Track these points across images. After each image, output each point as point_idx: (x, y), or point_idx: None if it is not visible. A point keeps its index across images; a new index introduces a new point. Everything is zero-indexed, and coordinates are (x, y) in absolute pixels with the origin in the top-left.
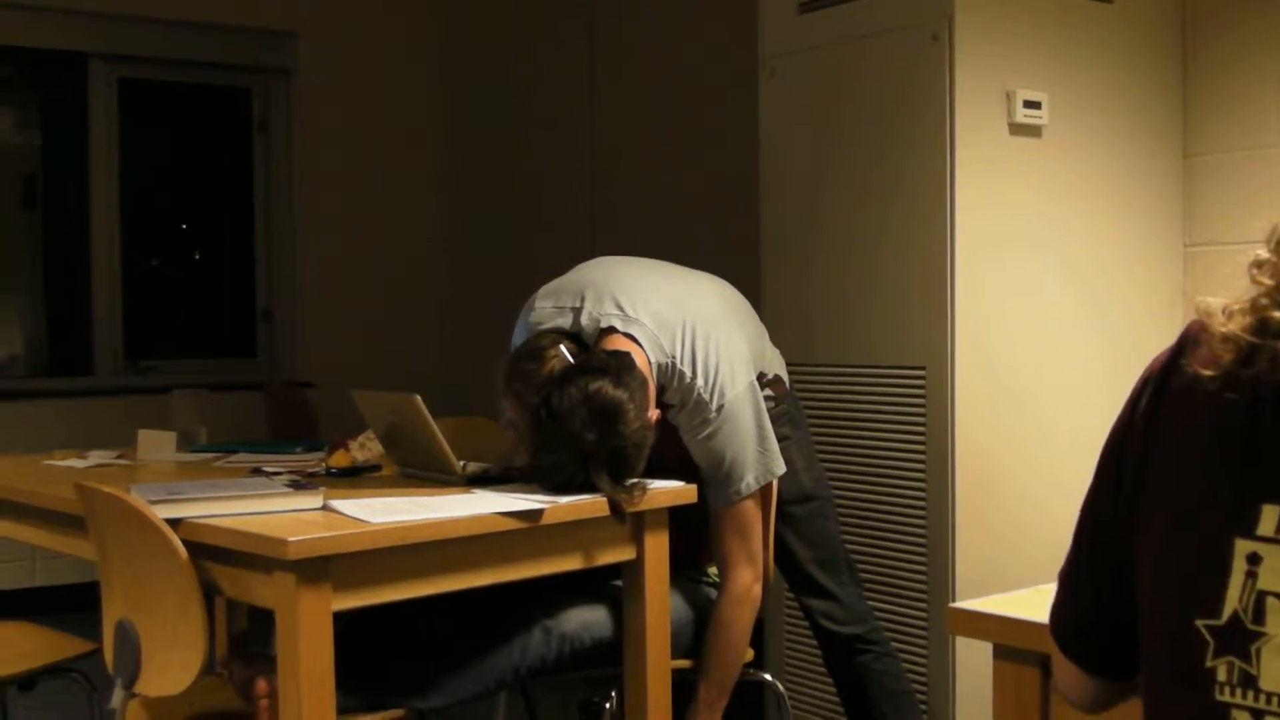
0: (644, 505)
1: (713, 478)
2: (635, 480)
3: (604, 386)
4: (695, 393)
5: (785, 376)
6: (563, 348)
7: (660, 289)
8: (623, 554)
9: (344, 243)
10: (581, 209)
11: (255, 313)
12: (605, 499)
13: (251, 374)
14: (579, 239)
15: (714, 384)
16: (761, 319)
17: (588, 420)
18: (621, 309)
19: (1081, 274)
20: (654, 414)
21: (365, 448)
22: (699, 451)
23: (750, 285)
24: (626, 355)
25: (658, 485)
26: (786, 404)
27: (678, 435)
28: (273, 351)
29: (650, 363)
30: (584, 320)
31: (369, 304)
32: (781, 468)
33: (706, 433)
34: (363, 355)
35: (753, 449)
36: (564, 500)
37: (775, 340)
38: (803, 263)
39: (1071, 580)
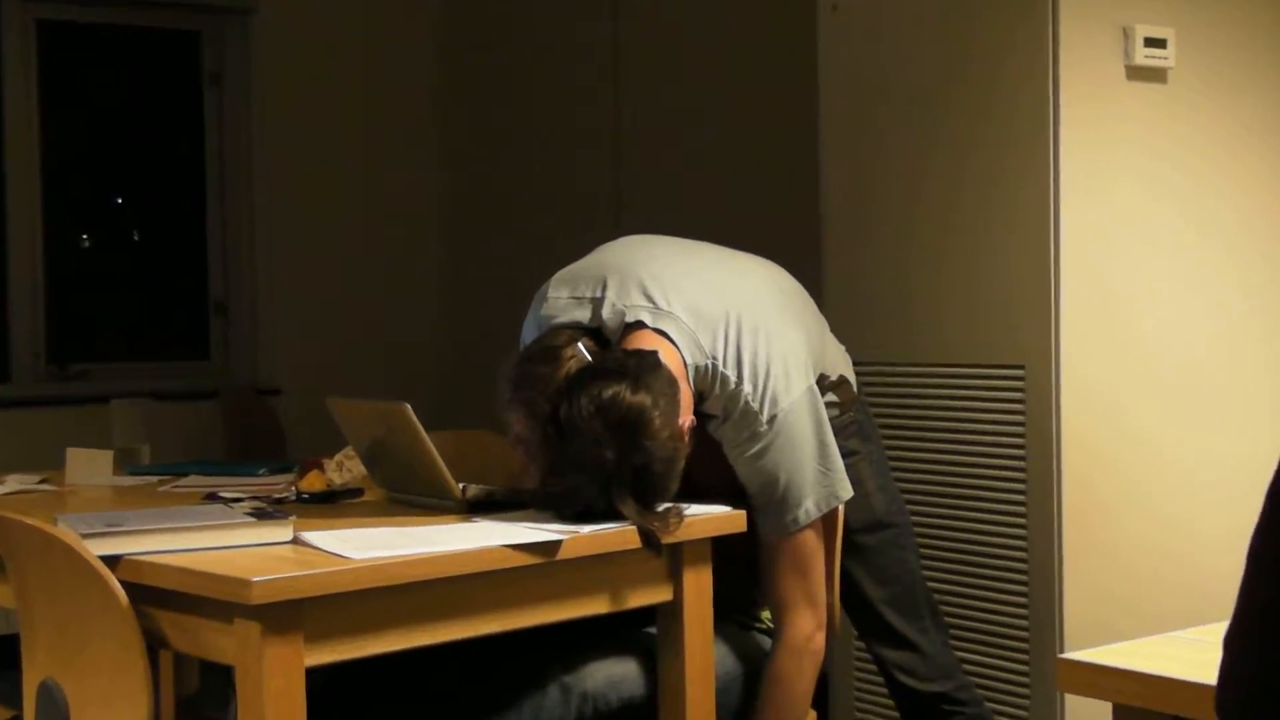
0: (682, 536)
1: (765, 503)
2: (668, 505)
3: (620, 392)
4: (742, 401)
5: (852, 379)
6: (581, 346)
7: (699, 275)
8: (657, 595)
9: (317, 220)
10: (602, 186)
11: (208, 305)
12: (635, 528)
13: (204, 379)
14: (599, 220)
15: (765, 390)
16: (821, 310)
17: (604, 434)
18: (651, 299)
19: (1217, 251)
20: (687, 421)
21: (344, 468)
22: (747, 472)
23: (807, 270)
24: (650, 353)
25: (698, 511)
26: (854, 412)
27: (720, 451)
28: (229, 352)
29: (686, 364)
30: (606, 313)
31: (348, 295)
32: (848, 490)
33: (756, 449)
34: (340, 356)
35: (812, 468)
36: (585, 530)
37: (839, 335)
38: (870, 242)
39: (1243, 640)
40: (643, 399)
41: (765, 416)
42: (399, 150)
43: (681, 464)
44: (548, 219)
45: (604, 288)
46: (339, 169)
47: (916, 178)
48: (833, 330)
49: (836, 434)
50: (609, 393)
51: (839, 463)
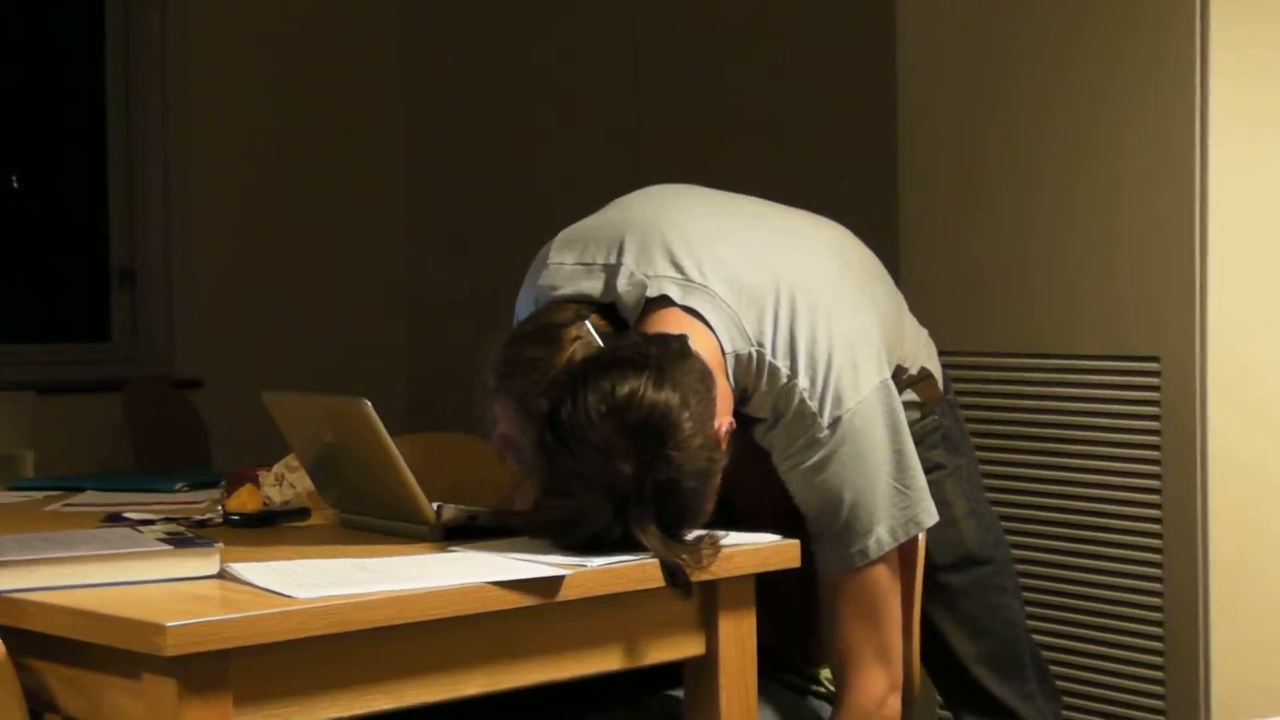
0: (717, 572)
1: (825, 530)
2: (700, 533)
3: (639, 388)
4: (796, 399)
5: (937, 372)
6: (589, 325)
7: (742, 237)
8: (685, 648)
9: (248, 171)
10: (619, 132)
11: (110, 274)
12: (657, 561)
13: (105, 367)
14: (614, 173)
15: (826, 385)
16: (899, 286)
17: (618, 441)
18: (680, 268)
19: None
20: (725, 425)
21: (284, 482)
22: (804, 490)
23: (881, 237)
24: (677, 338)
25: (738, 541)
26: (938, 415)
27: (768, 463)
28: (137, 333)
29: (724, 353)
30: (622, 284)
31: (291, 264)
32: (932, 514)
33: (814, 460)
34: (280, 342)
35: (886, 485)
36: (593, 564)
37: (921, 317)
38: (961, 205)
39: None
40: (668, 396)
41: (826, 419)
42: (351, 87)
43: (717, 480)
44: (544, 176)
45: (620, 252)
46: (274, 106)
47: (1020, 131)
48: (913, 310)
49: (917, 443)
50: (625, 388)
51: (920, 478)
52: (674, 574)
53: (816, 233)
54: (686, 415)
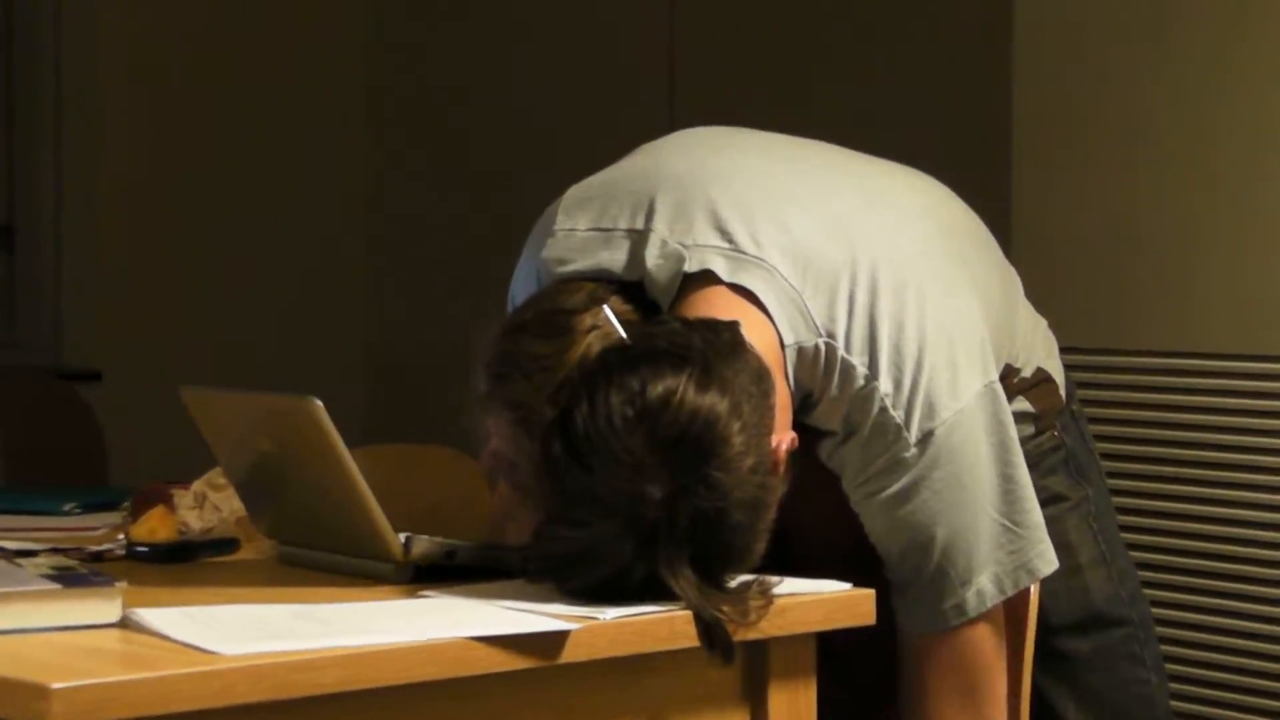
0: (767, 629)
1: (910, 578)
2: (748, 579)
3: (677, 390)
4: (876, 408)
5: (1059, 375)
6: (608, 311)
7: (810, 194)
8: None
9: (168, 107)
10: (649, 59)
11: None
12: (690, 615)
13: None
14: (642, 115)
15: (915, 390)
16: (1011, 262)
17: (646, 457)
18: (728, 235)
19: None
20: (785, 441)
21: (207, 504)
22: (882, 526)
23: (991, 204)
24: (728, 326)
25: (795, 589)
26: (1060, 430)
27: (836, 491)
28: (15, 309)
29: (783, 346)
30: (651, 256)
31: (216, 225)
32: (1050, 560)
33: (897, 488)
34: (201, 327)
35: (991, 522)
36: (608, 615)
37: (1038, 305)
38: (1082, 172)
39: None
40: (713, 402)
41: (914, 434)
42: (306, 17)
43: (772, 514)
44: (551, 117)
45: (650, 214)
46: (225, 26)
47: (1152, 81)
48: (1029, 294)
49: (1032, 466)
50: (658, 388)
51: (1036, 513)
52: (713, 632)
53: (909, 192)
54: (737, 427)
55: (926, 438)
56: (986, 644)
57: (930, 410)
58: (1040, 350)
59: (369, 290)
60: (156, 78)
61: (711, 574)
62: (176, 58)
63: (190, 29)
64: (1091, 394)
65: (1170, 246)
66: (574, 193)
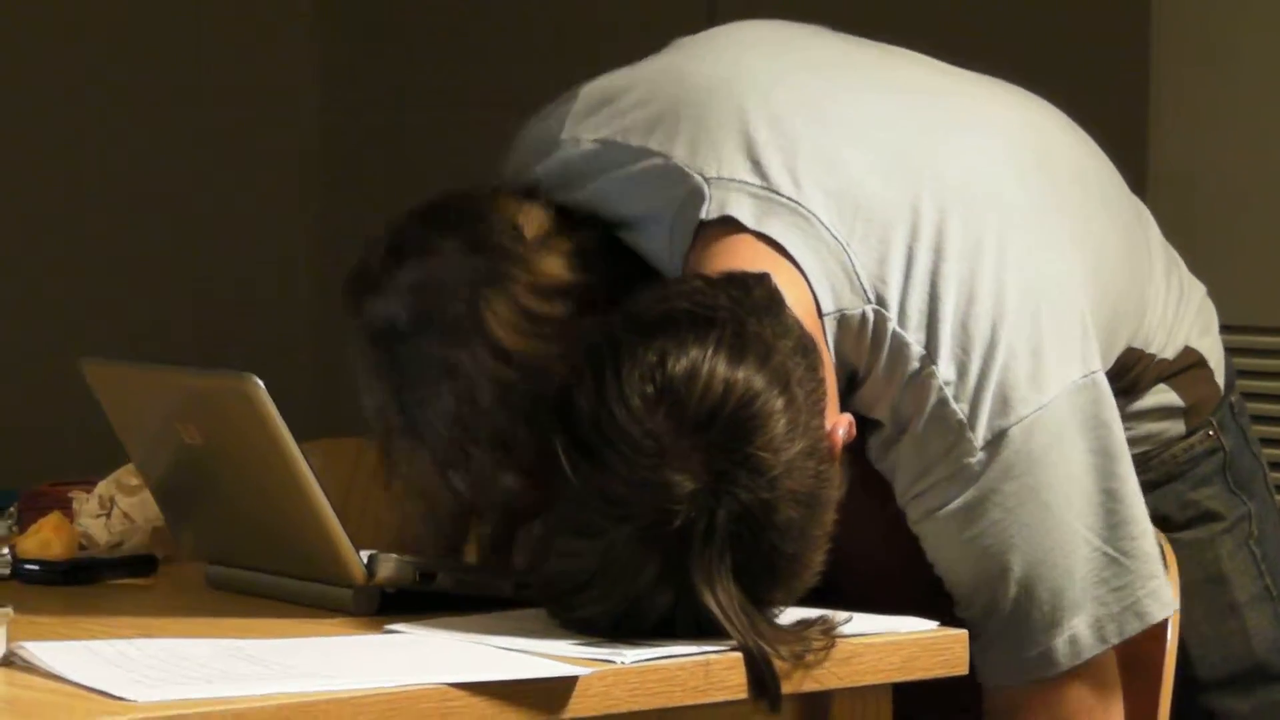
0: (830, 679)
1: (982, 617)
2: (812, 615)
3: (706, 360)
4: (933, 398)
5: (1216, 357)
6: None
7: (874, 115)
8: None
9: (70, 25)
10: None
11: None
12: (733, 656)
13: None
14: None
15: (984, 378)
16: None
17: (672, 440)
18: (760, 166)
19: None
20: (843, 426)
21: (114, 511)
22: (945, 550)
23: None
24: (759, 280)
25: (865, 629)
26: (1217, 429)
27: (892, 500)
28: None
29: (821, 314)
30: (664, 191)
31: (127, 162)
32: (1165, 602)
33: (959, 503)
34: (107, 283)
35: (1087, 549)
36: (627, 659)
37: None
38: (1231, 110)
39: None
40: (751, 373)
41: (982, 435)
42: None
43: (831, 512)
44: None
45: (675, 131)
46: None
47: None
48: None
49: (1176, 477)
50: (682, 361)
51: (1148, 539)
52: (764, 676)
53: (1007, 121)
54: (782, 404)
55: (998, 439)
56: (1087, 702)
57: (1004, 404)
58: (1189, 325)
59: (314, 257)
60: (54, 75)
61: (758, 593)
62: (75, 52)
63: (86, 21)
64: (1252, 385)
65: None
66: (590, 91)
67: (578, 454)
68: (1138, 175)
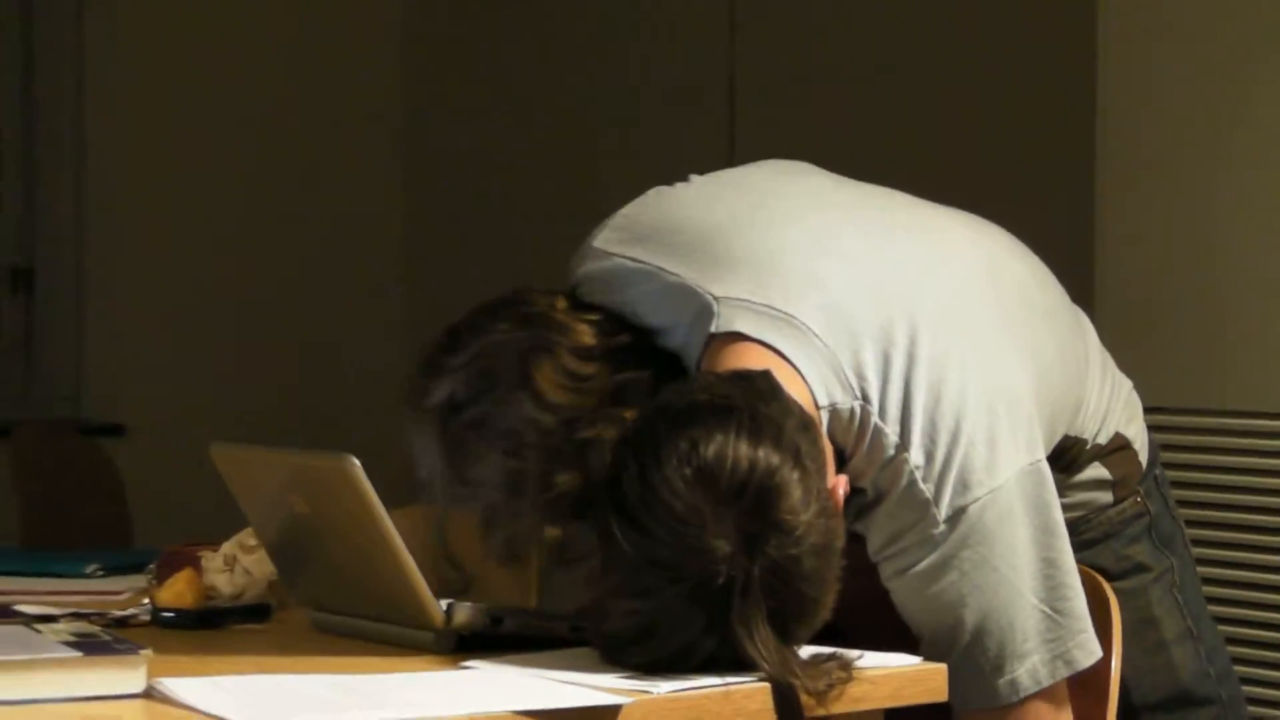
0: (846, 704)
1: (943, 655)
2: (828, 651)
3: (730, 443)
4: (905, 480)
5: (1141, 440)
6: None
7: (854, 249)
8: None
9: (197, 150)
10: (706, 94)
11: None
12: (750, 689)
13: None
14: (699, 141)
15: (949, 464)
16: (1093, 317)
17: (711, 511)
18: (760, 289)
19: None
20: (841, 485)
21: (237, 568)
22: (911, 604)
23: (1071, 261)
24: (761, 375)
25: (875, 663)
26: (1143, 497)
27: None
28: (32, 357)
29: (817, 405)
30: (679, 307)
31: (245, 273)
32: (1091, 652)
33: (924, 565)
34: (230, 376)
35: (1029, 608)
36: (662, 690)
37: (1120, 364)
38: (1168, 224)
39: None
40: (769, 451)
41: (944, 511)
42: (340, 50)
43: (839, 559)
44: (599, 151)
45: (685, 261)
46: (250, 61)
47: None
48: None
49: (1110, 536)
50: (711, 447)
51: (1079, 601)
52: (788, 702)
53: (968, 250)
54: (797, 476)
55: (957, 515)
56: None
57: (963, 486)
58: (1118, 415)
59: (410, 340)
60: (181, 120)
61: (787, 632)
62: (200, 101)
63: (212, 71)
64: (1174, 457)
65: (1261, 301)
66: (616, 222)
67: (629, 528)
68: (1085, 289)
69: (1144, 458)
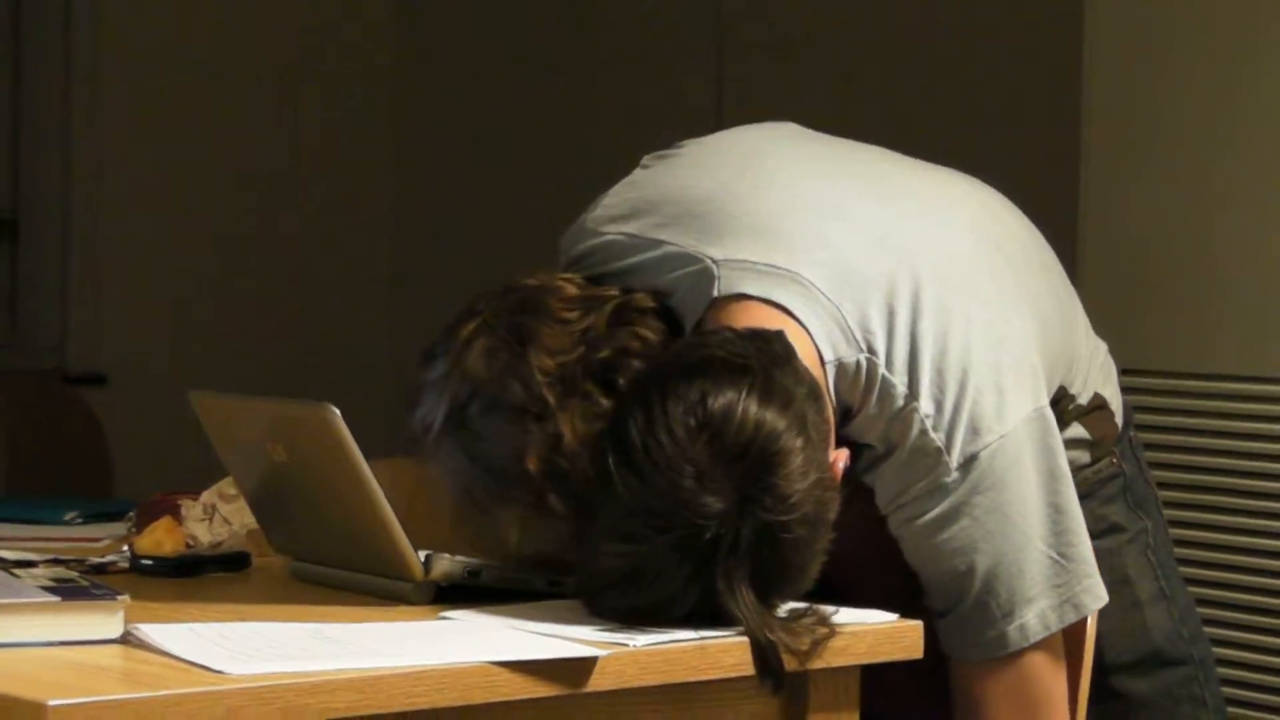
0: (823, 660)
1: (949, 605)
2: (800, 607)
3: (738, 401)
4: (915, 430)
5: (1117, 402)
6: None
7: (853, 207)
8: None
9: (186, 100)
10: (693, 73)
11: None
12: (726, 644)
13: None
14: (687, 106)
15: (958, 412)
16: (1075, 282)
17: (709, 467)
18: (762, 249)
19: None
20: (841, 459)
21: (216, 516)
22: (921, 553)
23: (1056, 221)
24: (777, 337)
25: (852, 619)
26: (1118, 458)
27: (877, 513)
28: (16, 308)
29: (823, 362)
30: (681, 272)
31: (230, 224)
32: (1098, 595)
33: (935, 513)
34: (211, 327)
35: (1037, 553)
36: (638, 643)
37: (1101, 326)
38: (1154, 187)
39: None
40: (776, 415)
41: (956, 458)
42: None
43: (828, 532)
44: (590, 116)
45: (692, 229)
46: (224, 22)
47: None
48: (1091, 315)
49: (1087, 496)
50: (720, 400)
51: (1085, 545)
52: (767, 659)
53: (963, 205)
54: (800, 443)
55: (969, 462)
56: (1044, 672)
57: (974, 433)
58: (1097, 376)
59: (391, 291)
60: (166, 72)
61: (768, 594)
62: (186, 50)
63: (201, 20)
64: (1153, 419)
65: (1241, 268)
66: (615, 194)
67: (628, 472)
68: (1068, 249)
69: (1119, 419)
